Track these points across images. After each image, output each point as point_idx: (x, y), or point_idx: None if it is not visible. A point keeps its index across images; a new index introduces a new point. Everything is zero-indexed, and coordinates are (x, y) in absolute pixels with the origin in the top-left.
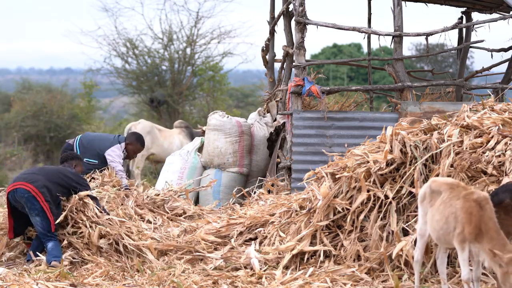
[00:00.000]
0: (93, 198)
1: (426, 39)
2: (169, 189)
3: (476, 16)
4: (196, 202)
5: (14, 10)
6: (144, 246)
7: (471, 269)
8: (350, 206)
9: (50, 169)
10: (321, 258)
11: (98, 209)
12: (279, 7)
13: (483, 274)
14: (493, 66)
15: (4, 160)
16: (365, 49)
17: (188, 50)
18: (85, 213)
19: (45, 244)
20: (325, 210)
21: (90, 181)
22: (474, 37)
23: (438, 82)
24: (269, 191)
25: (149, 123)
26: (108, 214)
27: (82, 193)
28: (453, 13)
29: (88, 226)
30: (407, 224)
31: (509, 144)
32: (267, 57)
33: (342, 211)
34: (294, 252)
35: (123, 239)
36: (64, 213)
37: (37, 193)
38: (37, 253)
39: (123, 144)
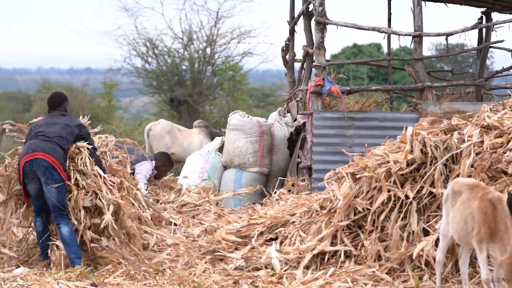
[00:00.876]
0: (91, 149)
1: (446, 39)
2: (205, 198)
3: (496, 16)
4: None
5: (33, 10)
6: (119, 203)
7: (491, 270)
8: (371, 206)
9: (64, 133)
10: (342, 258)
11: (89, 159)
12: (299, 7)
13: None
14: None
15: None
16: (385, 49)
17: (208, 50)
18: (74, 160)
19: (58, 224)
20: (345, 210)
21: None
22: (494, 37)
23: (458, 82)
24: (289, 191)
25: (169, 122)
26: (103, 169)
27: (81, 144)
28: (473, 13)
29: (72, 176)
30: (427, 224)
31: None
32: (287, 57)
33: (362, 211)
34: (315, 252)
35: (101, 191)
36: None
37: (56, 164)
38: (55, 244)
39: (154, 162)
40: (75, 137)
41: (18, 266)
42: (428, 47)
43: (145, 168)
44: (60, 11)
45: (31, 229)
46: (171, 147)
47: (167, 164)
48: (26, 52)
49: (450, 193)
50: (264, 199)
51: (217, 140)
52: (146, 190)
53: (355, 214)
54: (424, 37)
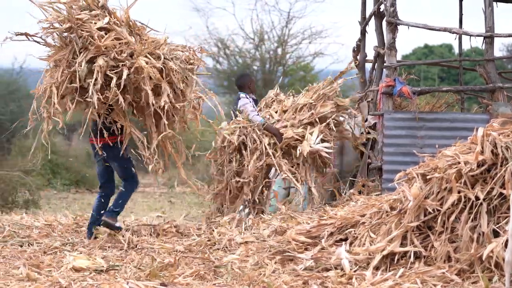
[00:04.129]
0: None
1: None
2: None
3: None
4: None
5: None
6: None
7: None
8: (441, 207)
9: None
10: (412, 259)
11: None
12: (370, 7)
13: None
14: None
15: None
16: (456, 50)
17: (279, 50)
18: None
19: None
20: (415, 211)
21: None
22: None
23: None
24: (360, 192)
25: None
26: None
27: None
28: None
29: None
30: (497, 226)
31: None
32: (358, 57)
33: (432, 212)
34: (385, 253)
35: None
36: None
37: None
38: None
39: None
40: None
41: None
42: (499, 48)
43: (245, 102)
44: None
45: None
46: None
47: (250, 79)
48: None
49: None
50: (324, 199)
51: None
52: (260, 117)
53: (425, 215)
54: (495, 38)
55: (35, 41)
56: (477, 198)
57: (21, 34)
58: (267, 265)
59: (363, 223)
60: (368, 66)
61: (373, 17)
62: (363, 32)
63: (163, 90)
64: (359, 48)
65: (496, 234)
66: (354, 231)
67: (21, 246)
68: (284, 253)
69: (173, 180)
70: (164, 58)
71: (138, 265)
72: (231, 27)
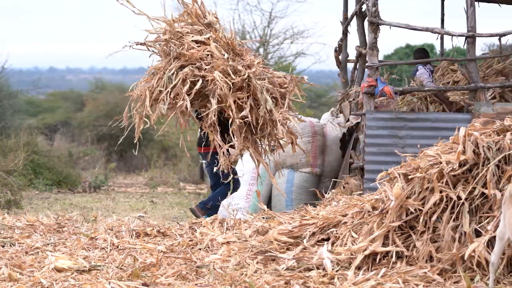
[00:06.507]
0: None
1: (499, 39)
2: None
3: None
4: (269, 202)
5: (86, 11)
6: None
7: None
8: (423, 207)
9: None
10: (393, 259)
11: None
12: (352, 7)
13: None
14: None
15: (77, 160)
16: (438, 50)
17: (261, 50)
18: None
19: None
20: (397, 211)
21: None
22: None
23: None
24: (343, 188)
25: None
26: None
27: None
28: None
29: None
30: (479, 225)
31: None
32: (340, 57)
33: (414, 212)
34: (367, 252)
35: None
36: None
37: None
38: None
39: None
40: None
41: None
42: (481, 48)
43: (422, 72)
44: (113, 14)
45: None
46: None
47: (427, 53)
48: (78, 51)
49: (507, 196)
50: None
51: None
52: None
53: (407, 215)
54: (477, 38)
55: (153, 51)
56: (459, 198)
57: (141, 44)
58: (249, 265)
59: (345, 223)
60: (350, 66)
61: (355, 17)
62: (345, 32)
63: (229, 104)
64: (341, 48)
65: (478, 234)
66: (336, 231)
67: (3, 247)
68: (266, 253)
69: (155, 180)
70: (248, 76)
71: (120, 265)
72: None
